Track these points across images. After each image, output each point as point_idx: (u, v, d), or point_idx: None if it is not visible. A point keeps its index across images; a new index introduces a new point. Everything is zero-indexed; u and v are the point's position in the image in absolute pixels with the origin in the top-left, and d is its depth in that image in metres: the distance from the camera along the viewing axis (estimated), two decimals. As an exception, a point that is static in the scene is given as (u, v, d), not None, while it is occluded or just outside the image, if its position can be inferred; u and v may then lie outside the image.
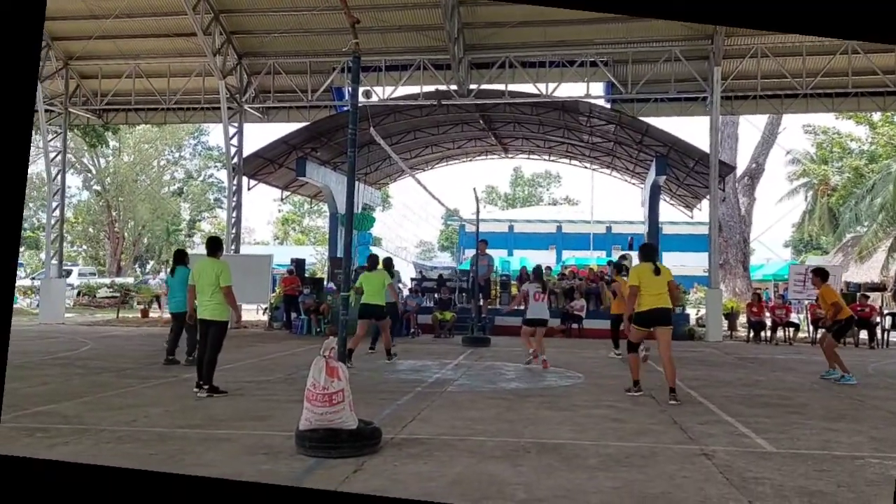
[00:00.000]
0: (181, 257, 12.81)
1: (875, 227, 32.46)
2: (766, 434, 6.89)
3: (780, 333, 20.07)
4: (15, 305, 31.58)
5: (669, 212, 31.28)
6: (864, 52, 20.00)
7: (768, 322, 20.19)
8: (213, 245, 9.57)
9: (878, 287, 20.92)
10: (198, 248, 51.14)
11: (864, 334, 19.09)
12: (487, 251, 20.53)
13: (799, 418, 7.85)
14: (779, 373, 12.20)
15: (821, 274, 12.10)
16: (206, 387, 8.94)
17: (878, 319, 19.50)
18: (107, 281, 37.45)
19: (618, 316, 13.89)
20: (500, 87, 21.68)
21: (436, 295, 21.61)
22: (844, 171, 39.89)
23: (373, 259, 13.55)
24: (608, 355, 14.51)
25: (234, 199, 23.45)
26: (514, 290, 24.45)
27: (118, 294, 30.86)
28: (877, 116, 35.32)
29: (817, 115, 35.23)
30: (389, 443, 6.26)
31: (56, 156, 25.19)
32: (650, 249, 9.68)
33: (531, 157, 32.30)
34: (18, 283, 38.98)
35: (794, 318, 21.24)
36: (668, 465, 5.70)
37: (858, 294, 19.53)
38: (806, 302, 21.84)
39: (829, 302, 11.65)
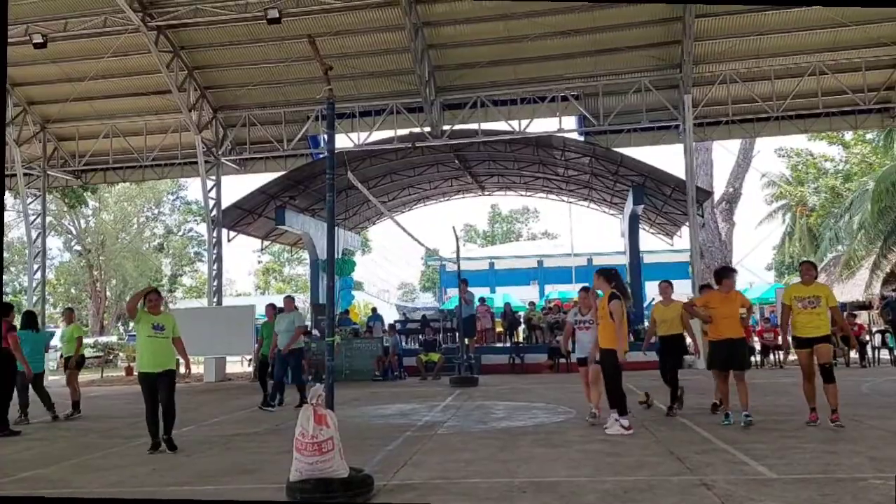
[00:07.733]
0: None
1: (855, 245, 32.63)
2: (765, 460, 6.79)
3: (770, 357, 20.03)
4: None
5: (650, 240, 31.38)
6: (831, 72, 20.31)
7: (757, 346, 20.12)
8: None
9: (865, 305, 20.95)
10: (179, 303, 50.60)
11: (854, 353, 19.09)
12: (469, 289, 20.29)
13: (796, 442, 7.76)
14: (771, 397, 12.12)
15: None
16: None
17: (867, 338, 19.51)
18: (90, 341, 36.93)
19: None
20: (474, 126, 21.82)
21: (420, 336, 21.38)
22: (821, 191, 40.24)
23: None
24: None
25: (215, 251, 23.34)
26: (498, 328, 24.35)
27: (101, 353, 30.39)
28: (849, 136, 35.76)
29: (790, 137, 35.52)
30: (382, 489, 6.12)
31: (35, 218, 25.07)
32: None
33: (508, 193, 32.42)
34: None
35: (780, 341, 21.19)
36: (668, 497, 5.59)
37: (846, 313, 19.54)
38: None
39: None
